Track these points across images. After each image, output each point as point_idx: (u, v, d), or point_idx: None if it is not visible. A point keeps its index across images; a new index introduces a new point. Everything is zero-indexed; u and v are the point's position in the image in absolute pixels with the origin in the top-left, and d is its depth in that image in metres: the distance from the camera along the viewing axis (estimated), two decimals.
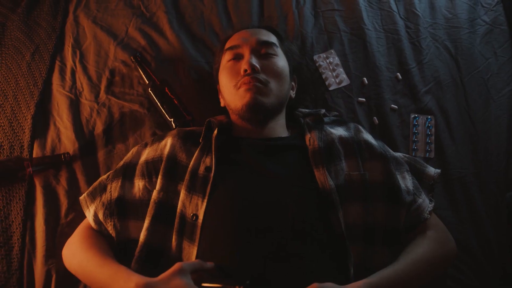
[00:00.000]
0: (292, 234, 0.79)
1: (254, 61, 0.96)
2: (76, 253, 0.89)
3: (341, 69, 1.20)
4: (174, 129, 1.07)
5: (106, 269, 0.81)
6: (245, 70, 0.95)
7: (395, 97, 1.17)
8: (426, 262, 0.83)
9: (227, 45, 1.04)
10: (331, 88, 1.18)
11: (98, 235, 0.92)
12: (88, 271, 0.84)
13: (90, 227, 0.93)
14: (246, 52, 0.99)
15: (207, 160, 0.91)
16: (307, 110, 1.08)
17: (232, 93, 0.98)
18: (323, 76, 1.19)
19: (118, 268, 0.80)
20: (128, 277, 0.76)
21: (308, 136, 0.95)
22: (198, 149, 0.94)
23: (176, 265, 0.73)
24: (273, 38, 1.05)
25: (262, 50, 1.00)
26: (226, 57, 1.02)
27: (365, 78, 1.19)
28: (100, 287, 0.81)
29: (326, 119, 1.03)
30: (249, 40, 1.01)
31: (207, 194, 0.86)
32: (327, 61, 1.20)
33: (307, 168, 0.90)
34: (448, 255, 0.90)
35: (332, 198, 0.84)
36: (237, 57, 1.01)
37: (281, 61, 1.01)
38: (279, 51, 1.03)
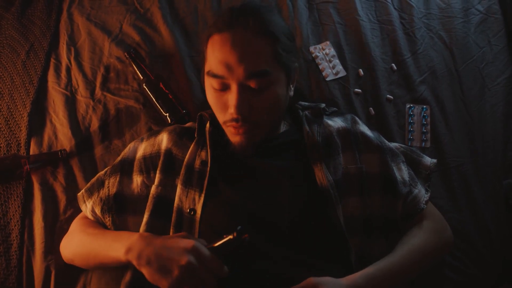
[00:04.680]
0: (289, 230, 0.79)
1: (243, 105, 0.81)
2: (74, 236, 0.91)
3: (337, 61, 1.20)
4: (169, 123, 1.07)
5: (108, 233, 0.86)
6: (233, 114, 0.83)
7: (390, 88, 1.17)
8: (421, 252, 0.84)
9: (210, 66, 0.84)
10: (328, 79, 1.17)
11: (96, 222, 0.94)
12: (87, 244, 0.87)
13: (87, 217, 0.95)
14: (233, 86, 0.82)
15: (203, 154, 0.90)
16: (307, 103, 1.05)
17: (220, 122, 0.89)
18: (320, 67, 1.19)
19: (120, 231, 0.87)
20: (131, 233, 0.82)
21: (306, 129, 0.93)
22: (193, 143, 0.93)
23: (181, 233, 0.79)
24: (264, 57, 0.82)
25: (252, 84, 0.81)
26: (211, 81, 0.85)
27: (361, 70, 1.19)
28: (101, 260, 0.85)
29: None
30: (235, 70, 0.80)
31: (204, 188, 0.86)
32: (323, 52, 1.20)
33: (305, 163, 0.88)
34: (444, 243, 0.90)
35: (330, 194, 0.83)
36: (224, 88, 0.84)
37: (277, 88, 0.85)
38: (273, 74, 0.83)
